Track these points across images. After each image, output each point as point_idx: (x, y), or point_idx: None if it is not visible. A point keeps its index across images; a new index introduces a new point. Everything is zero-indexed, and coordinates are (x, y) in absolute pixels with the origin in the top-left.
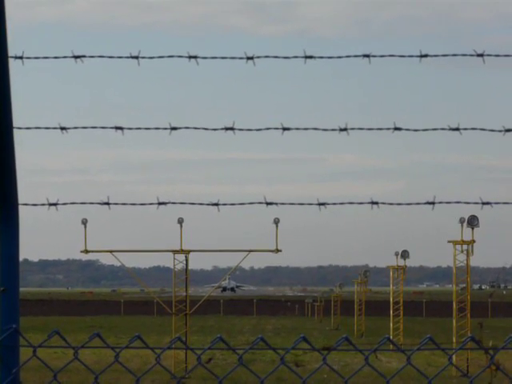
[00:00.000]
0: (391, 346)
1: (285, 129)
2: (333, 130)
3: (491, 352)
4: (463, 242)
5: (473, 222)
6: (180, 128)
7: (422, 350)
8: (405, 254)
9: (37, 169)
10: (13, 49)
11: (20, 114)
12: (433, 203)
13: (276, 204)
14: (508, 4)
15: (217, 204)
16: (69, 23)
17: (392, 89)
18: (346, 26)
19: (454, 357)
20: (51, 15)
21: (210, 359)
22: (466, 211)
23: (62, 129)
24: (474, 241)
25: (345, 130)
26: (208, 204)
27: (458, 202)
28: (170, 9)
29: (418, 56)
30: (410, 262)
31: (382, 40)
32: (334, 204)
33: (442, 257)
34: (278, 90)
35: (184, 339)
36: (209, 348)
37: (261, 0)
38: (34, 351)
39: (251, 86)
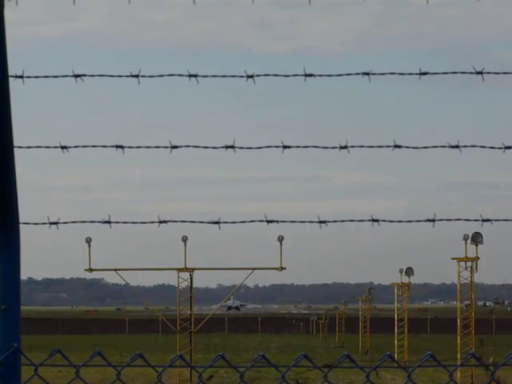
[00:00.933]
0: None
1: (285, 147)
2: (333, 147)
3: (491, 368)
4: (467, 259)
5: (477, 238)
6: (181, 146)
7: (427, 367)
8: (409, 271)
9: (41, 187)
10: (14, 67)
11: (21, 133)
12: (433, 220)
13: (277, 222)
14: None
15: (218, 222)
16: (73, 41)
17: (393, 106)
18: (350, 43)
19: (458, 374)
20: (55, 33)
21: (210, 376)
22: (471, 228)
23: (63, 148)
24: (478, 258)
25: (345, 147)
26: (209, 222)
27: (458, 220)
28: (174, 26)
29: (417, 74)
30: (415, 279)
31: (386, 56)
32: (335, 222)
33: (447, 274)
34: (279, 108)
35: (188, 357)
36: (210, 366)
37: (265, 17)
38: (36, 370)
39: (252, 104)
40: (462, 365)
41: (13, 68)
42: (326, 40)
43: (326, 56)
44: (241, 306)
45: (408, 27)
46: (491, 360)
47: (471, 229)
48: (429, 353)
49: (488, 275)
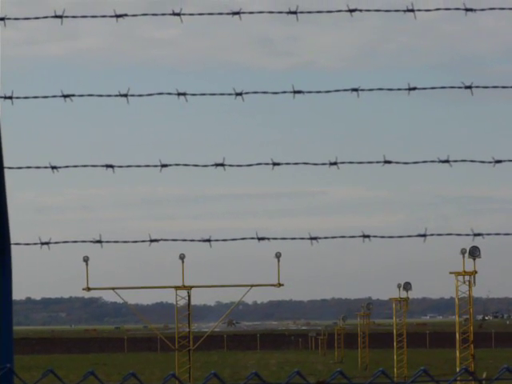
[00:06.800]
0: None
1: (275, 164)
2: (323, 164)
3: (484, 383)
4: (465, 273)
5: (474, 252)
6: (170, 165)
7: (422, 383)
8: (407, 286)
9: (36, 207)
10: (14, 87)
11: (11, 154)
12: (424, 235)
13: (268, 239)
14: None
15: (209, 240)
16: (74, 60)
17: (382, 121)
18: (350, 58)
19: None
20: (56, 52)
21: None
22: (470, 242)
23: (53, 168)
24: (475, 271)
25: (335, 164)
26: (200, 240)
27: (449, 234)
28: (174, 44)
29: (406, 89)
30: (413, 294)
31: (385, 71)
32: (326, 238)
33: (445, 288)
34: (269, 125)
35: (187, 375)
36: None
37: (266, 34)
38: None
39: (242, 121)
40: (455, 379)
41: (11, 88)
42: (326, 56)
43: (326, 72)
44: (236, 322)
45: (407, 42)
46: (484, 375)
47: (470, 242)
48: (422, 368)
49: (487, 289)
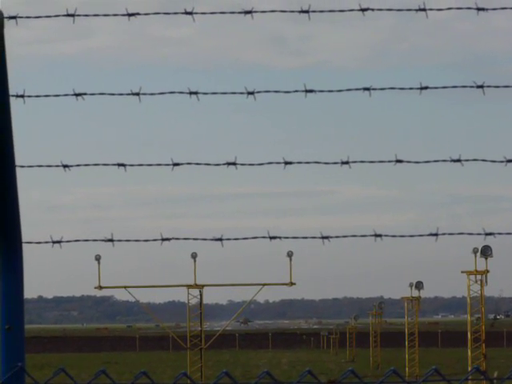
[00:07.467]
0: (407, 377)
1: (287, 163)
2: (335, 163)
3: (495, 382)
4: (477, 272)
5: (486, 252)
6: (182, 164)
7: (434, 382)
8: (419, 285)
9: (47, 206)
10: (26, 86)
11: (23, 153)
12: (436, 235)
13: (280, 238)
14: None
15: (220, 239)
16: (86, 59)
17: (393, 121)
18: (364, 58)
19: None
20: (68, 51)
21: None
22: (483, 241)
23: (65, 166)
24: (487, 271)
25: (346, 163)
26: (211, 239)
27: (461, 234)
28: (188, 43)
29: (417, 88)
30: (425, 293)
31: (398, 71)
32: (337, 237)
33: (457, 287)
34: (280, 124)
35: (199, 374)
36: (214, 383)
37: (280, 33)
38: None
39: (253, 120)
40: (466, 379)
41: (23, 86)
42: (338, 55)
43: (339, 71)
44: (249, 321)
45: (419, 41)
46: (495, 374)
47: (482, 242)
48: (433, 367)
49: (498, 288)
